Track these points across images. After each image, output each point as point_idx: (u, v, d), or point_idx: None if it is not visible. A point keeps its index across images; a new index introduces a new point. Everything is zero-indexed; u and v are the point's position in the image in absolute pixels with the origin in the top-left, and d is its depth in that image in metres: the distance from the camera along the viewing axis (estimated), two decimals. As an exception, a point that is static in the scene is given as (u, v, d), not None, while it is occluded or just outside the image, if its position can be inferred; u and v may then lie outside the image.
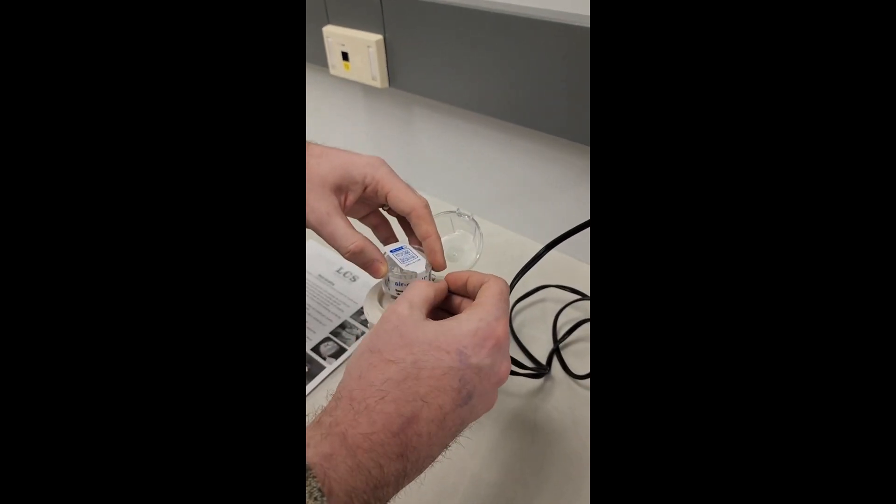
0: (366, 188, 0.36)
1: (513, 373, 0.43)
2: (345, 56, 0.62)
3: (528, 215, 0.61)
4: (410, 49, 0.56)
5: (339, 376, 0.48)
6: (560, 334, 0.50)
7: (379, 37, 0.57)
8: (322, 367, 0.48)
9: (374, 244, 0.35)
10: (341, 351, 0.50)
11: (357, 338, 0.51)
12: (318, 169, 0.34)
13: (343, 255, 0.34)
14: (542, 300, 0.54)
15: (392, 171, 0.36)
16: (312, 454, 0.23)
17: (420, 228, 0.35)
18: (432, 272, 0.36)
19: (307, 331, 0.52)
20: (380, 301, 0.37)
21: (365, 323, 0.53)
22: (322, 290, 0.57)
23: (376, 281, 0.38)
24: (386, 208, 0.39)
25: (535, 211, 0.60)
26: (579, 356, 0.48)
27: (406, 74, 0.59)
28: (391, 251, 0.36)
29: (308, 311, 0.54)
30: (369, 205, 0.39)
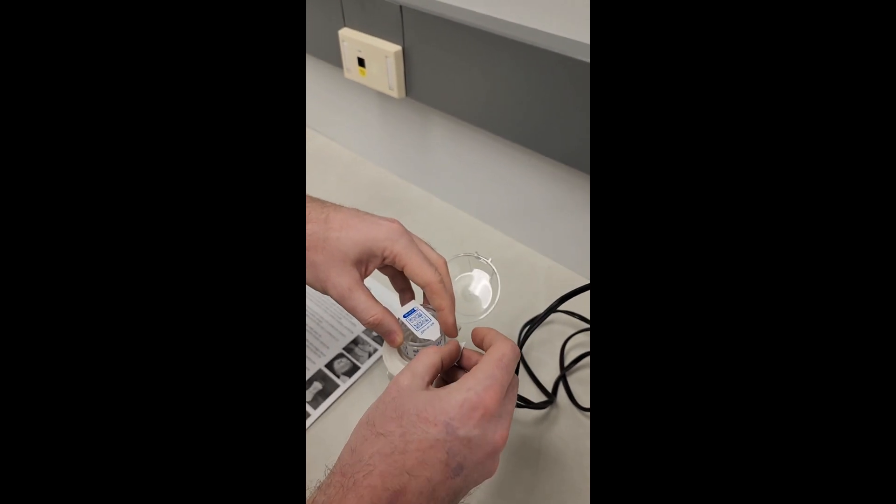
0: (384, 259, 0.37)
1: (518, 406, 0.45)
2: (361, 62, 0.60)
3: (539, 231, 0.62)
4: (429, 63, 0.55)
5: (352, 396, 0.50)
6: (567, 361, 0.51)
7: (398, 48, 0.56)
8: (336, 386, 0.50)
9: (392, 315, 0.36)
10: (355, 369, 0.52)
11: (370, 355, 0.53)
12: (339, 245, 0.35)
13: (364, 325, 0.36)
14: (551, 322, 0.55)
15: (410, 240, 0.37)
16: None
17: (434, 302, 0.36)
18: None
19: (321, 346, 0.54)
20: (399, 351, 0.39)
21: (379, 339, 0.54)
22: (334, 302, 0.58)
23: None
24: None
25: (546, 228, 0.60)
26: (585, 384, 0.50)
27: (423, 87, 0.58)
28: (404, 315, 0.37)
29: (321, 325, 0.56)
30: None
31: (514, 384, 0.32)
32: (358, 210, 0.38)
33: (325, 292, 0.36)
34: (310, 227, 0.35)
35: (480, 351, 0.35)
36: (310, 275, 0.35)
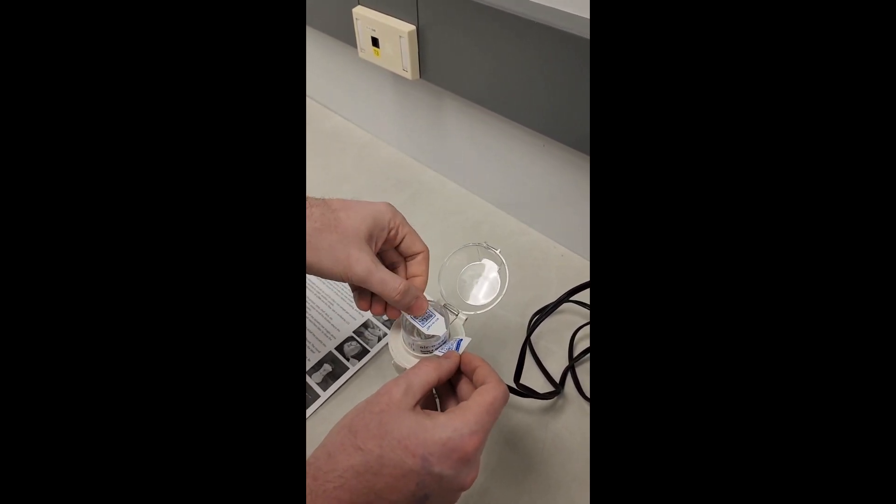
0: (389, 232, 0.37)
1: (523, 395, 0.45)
2: (374, 42, 0.59)
3: (553, 219, 0.61)
4: (444, 43, 0.54)
5: (361, 378, 0.51)
6: (577, 352, 0.51)
7: (412, 27, 0.55)
8: (346, 368, 0.51)
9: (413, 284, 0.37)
10: (364, 352, 0.52)
11: (379, 339, 0.53)
12: (350, 222, 0.35)
13: (392, 298, 0.35)
14: (561, 312, 0.55)
15: (402, 215, 0.39)
16: None
17: (420, 268, 0.38)
18: (459, 312, 0.37)
19: (332, 328, 0.54)
20: (404, 343, 0.39)
21: (388, 323, 0.55)
22: (346, 285, 0.59)
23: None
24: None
25: (561, 216, 0.59)
26: (593, 375, 0.49)
27: (438, 69, 0.57)
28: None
29: (332, 307, 0.56)
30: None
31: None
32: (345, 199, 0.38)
33: (347, 272, 0.34)
34: (314, 211, 0.35)
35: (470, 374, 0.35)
36: (327, 258, 0.33)
